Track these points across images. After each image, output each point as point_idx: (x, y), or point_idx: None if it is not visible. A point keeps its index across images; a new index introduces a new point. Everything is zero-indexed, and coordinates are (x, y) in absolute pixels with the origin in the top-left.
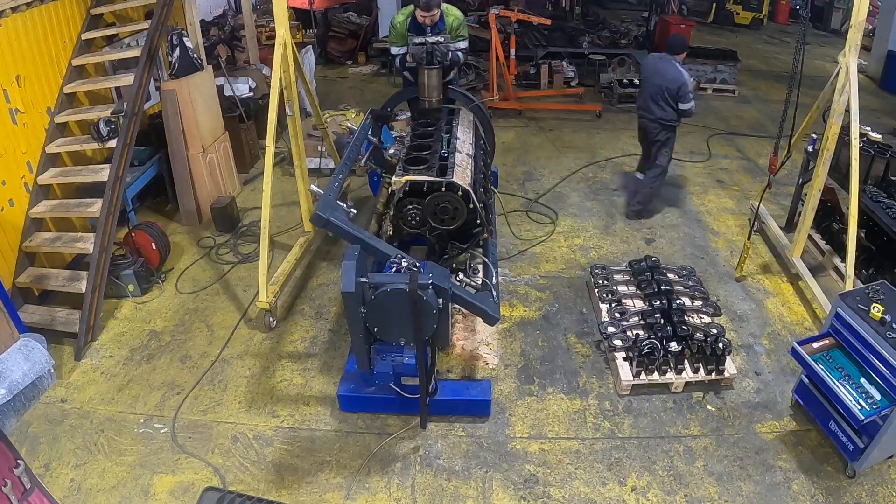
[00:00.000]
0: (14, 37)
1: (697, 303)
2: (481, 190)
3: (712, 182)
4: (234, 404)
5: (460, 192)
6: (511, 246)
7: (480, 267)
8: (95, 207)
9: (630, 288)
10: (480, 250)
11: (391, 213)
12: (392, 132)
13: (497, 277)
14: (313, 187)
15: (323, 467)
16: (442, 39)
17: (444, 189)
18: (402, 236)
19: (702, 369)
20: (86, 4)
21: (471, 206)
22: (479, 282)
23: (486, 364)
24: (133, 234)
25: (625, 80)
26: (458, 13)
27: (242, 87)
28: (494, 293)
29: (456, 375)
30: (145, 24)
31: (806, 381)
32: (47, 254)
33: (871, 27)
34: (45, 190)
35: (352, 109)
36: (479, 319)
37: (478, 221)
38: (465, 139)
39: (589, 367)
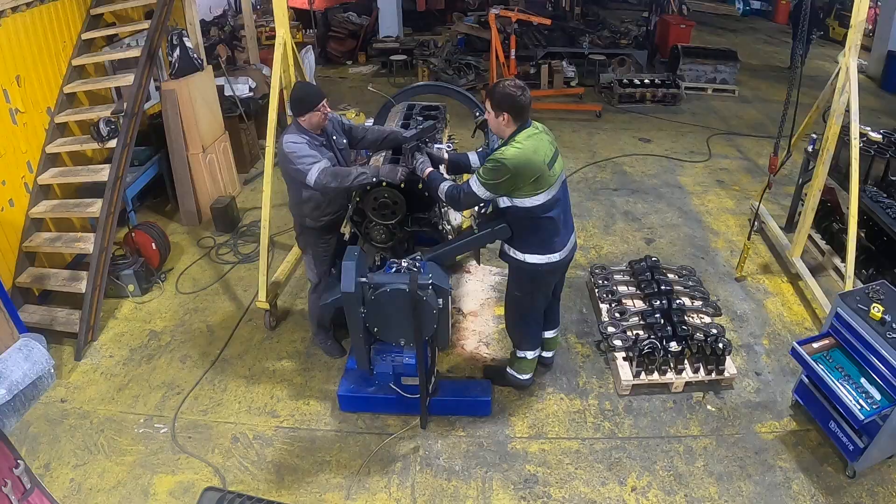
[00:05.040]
0: (14, 37)
1: (697, 303)
2: (411, 155)
3: (712, 182)
4: (234, 404)
5: (384, 183)
6: None
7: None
8: (95, 207)
9: (630, 288)
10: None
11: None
12: None
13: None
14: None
15: (323, 467)
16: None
17: (370, 189)
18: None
19: (702, 369)
20: (86, 4)
21: (399, 185)
22: (457, 223)
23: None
24: (133, 234)
25: (625, 80)
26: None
27: (242, 87)
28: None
29: (456, 375)
30: (145, 24)
31: (806, 381)
32: (47, 254)
33: (871, 27)
34: (45, 190)
35: (352, 109)
36: (479, 319)
37: (420, 187)
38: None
39: (589, 367)
